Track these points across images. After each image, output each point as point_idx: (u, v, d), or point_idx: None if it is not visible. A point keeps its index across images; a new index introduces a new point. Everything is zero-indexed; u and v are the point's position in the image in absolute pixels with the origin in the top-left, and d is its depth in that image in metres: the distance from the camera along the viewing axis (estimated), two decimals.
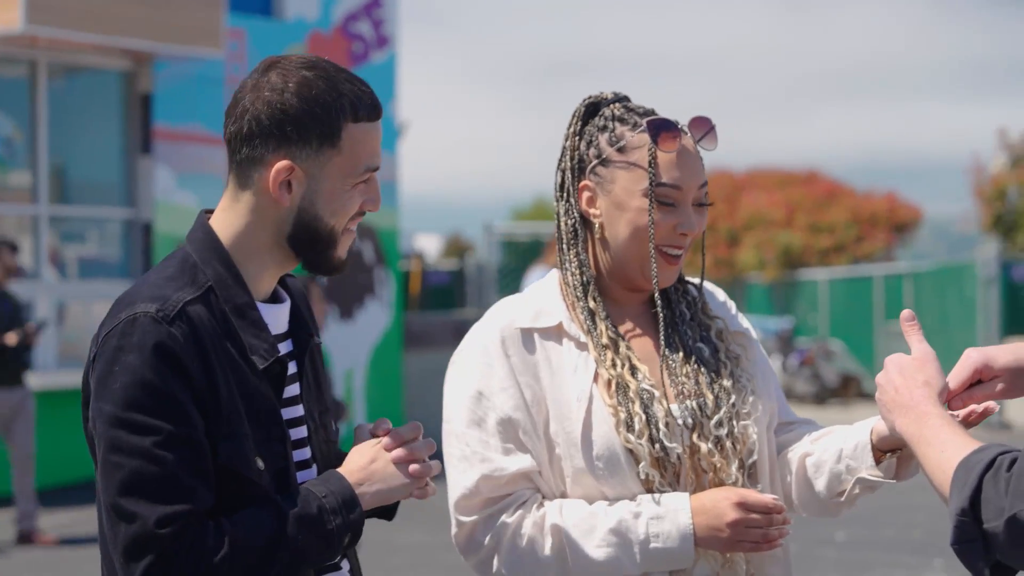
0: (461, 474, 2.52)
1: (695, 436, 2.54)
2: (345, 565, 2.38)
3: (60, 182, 13.45)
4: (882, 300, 22.48)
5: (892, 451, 2.58)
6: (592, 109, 2.64)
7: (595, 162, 2.60)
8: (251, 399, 2.22)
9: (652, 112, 2.62)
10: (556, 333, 2.58)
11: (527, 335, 2.57)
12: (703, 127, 2.61)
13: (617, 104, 2.64)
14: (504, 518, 2.49)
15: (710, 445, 2.54)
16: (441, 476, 2.40)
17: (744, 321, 2.77)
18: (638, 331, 2.64)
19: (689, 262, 2.78)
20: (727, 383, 2.60)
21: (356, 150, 2.24)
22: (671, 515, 2.47)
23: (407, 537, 9.68)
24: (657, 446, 2.50)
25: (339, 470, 2.26)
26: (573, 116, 2.65)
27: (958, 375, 2.32)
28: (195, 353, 2.15)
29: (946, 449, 2.04)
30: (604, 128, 2.61)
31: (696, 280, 2.74)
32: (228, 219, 2.28)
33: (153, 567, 2.08)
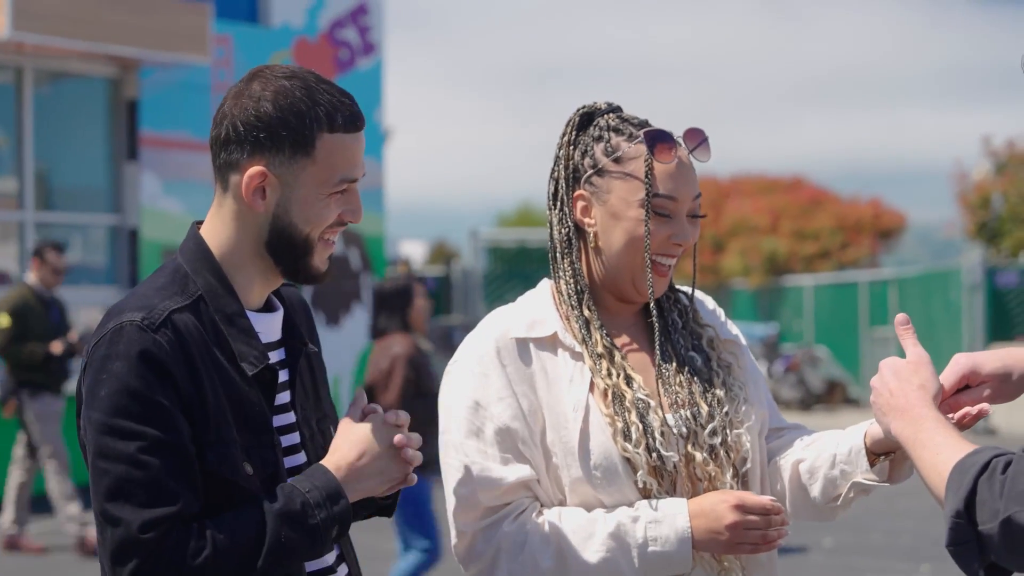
0: (460, 484, 2.52)
1: (690, 446, 2.55)
2: (343, 570, 2.39)
3: (46, 188, 13.42)
4: (867, 306, 22.53)
5: (886, 454, 2.59)
6: (586, 119, 2.65)
7: (590, 172, 2.61)
8: (240, 406, 2.24)
9: (647, 123, 2.64)
10: (551, 343, 2.59)
11: (522, 345, 2.58)
12: (697, 139, 2.63)
13: (611, 114, 2.65)
14: (504, 527, 2.50)
15: (704, 454, 2.55)
16: (439, 485, 2.40)
17: (734, 328, 2.78)
18: (631, 341, 2.65)
19: (677, 269, 2.79)
20: (720, 392, 2.61)
21: (331, 160, 2.26)
22: (669, 519, 2.47)
23: (391, 544, 9.66)
24: (654, 455, 2.50)
25: (324, 463, 2.27)
26: (567, 125, 2.65)
27: (946, 379, 2.34)
28: (181, 360, 2.18)
29: (941, 452, 2.05)
30: (599, 138, 2.61)
31: (687, 288, 2.75)
32: (215, 227, 2.32)
33: (138, 571, 2.10)
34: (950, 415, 2.37)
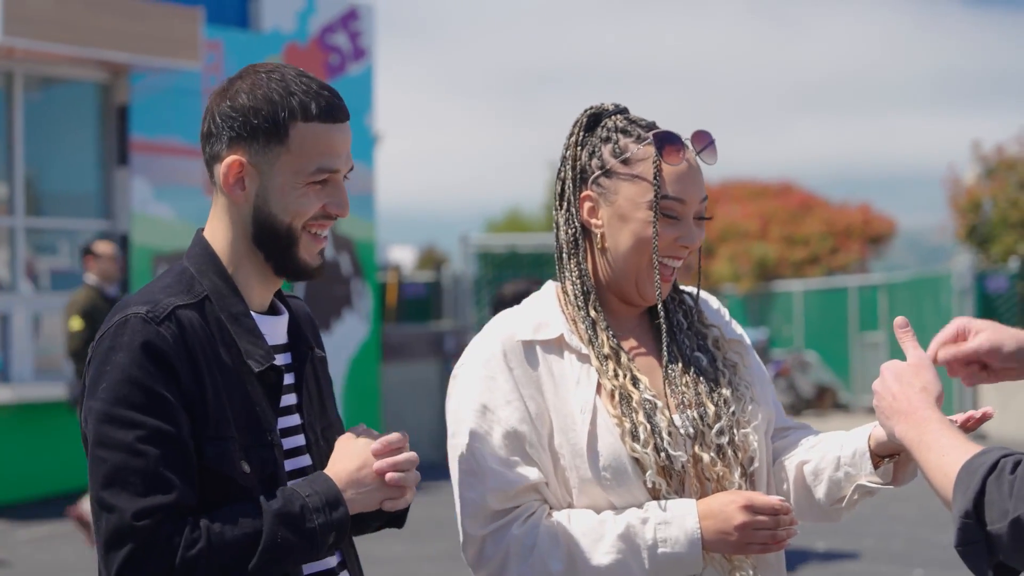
0: (469, 488, 2.52)
1: (697, 446, 2.55)
2: (345, 575, 2.39)
3: (36, 194, 13.39)
4: (857, 311, 22.56)
5: (890, 456, 2.60)
6: (593, 120, 2.65)
7: (598, 173, 2.61)
8: (242, 404, 2.25)
9: (654, 125, 2.64)
10: (557, 345, 2.59)
11: (528, 348, 2.57)
12: (704, 141, 2.64)
13: (619, 116, 2.65)
14: (513, 530, 2.49)
15: (712, 454, 2.55)
16: (448, 489, 2.40)
17: (738, 328, 2.79)
18: (636, 342, 2.65)
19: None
20: (726, 392, 2.61)
21: (307, 149, 2.28)
22: (678, 520, 2.47)
23: (387, 550, 9.66)
24: (663, 455, 2.50)
25: (327, 471, 2.29)
26: (574, 126, 2.65)
27: (942, 335, 2.39)
28: (184, 354, 2.20)
29: (947, 453, 2.06)
30: (607, 139, 2.62)
31: (691, 289, 2.75)
32: (213, 227, 2.35)
33: (130, 559, 2.11)
34: (953, 418, 2.38)
